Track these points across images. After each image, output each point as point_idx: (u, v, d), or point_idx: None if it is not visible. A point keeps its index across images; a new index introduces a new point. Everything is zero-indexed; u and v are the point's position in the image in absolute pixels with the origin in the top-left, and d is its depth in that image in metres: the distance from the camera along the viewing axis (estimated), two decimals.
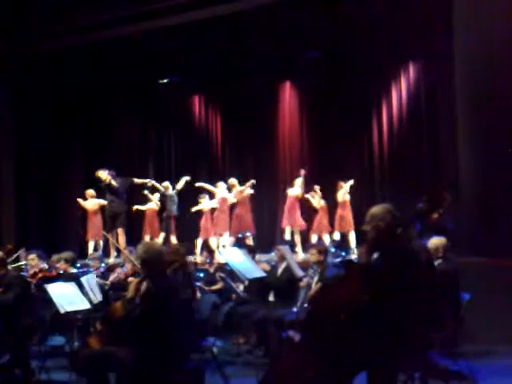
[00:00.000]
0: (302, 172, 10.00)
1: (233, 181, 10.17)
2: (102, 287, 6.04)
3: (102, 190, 10.04)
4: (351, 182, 10.13)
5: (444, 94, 9.63)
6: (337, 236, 9.91)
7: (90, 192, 10.47)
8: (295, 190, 10.01)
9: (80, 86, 11.48)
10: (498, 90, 6.71)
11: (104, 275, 7.01)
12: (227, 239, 9.90)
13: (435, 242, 5.24)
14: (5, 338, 4.88)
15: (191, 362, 4.27)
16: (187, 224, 10.82)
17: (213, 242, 10.03)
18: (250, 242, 9.62)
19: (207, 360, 4.90)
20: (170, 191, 10.49)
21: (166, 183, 10.64)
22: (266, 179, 11.97)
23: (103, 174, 9.82)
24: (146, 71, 11.72)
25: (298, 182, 9.99)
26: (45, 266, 6.64)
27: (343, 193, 10.02)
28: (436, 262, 5.11)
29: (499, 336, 5.75)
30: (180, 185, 10.58)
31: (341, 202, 10.01)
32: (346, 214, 9.95)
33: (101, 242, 10.35)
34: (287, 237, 9.86)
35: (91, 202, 10.43)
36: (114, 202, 9.82)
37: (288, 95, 12.22)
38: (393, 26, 9.41)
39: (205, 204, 10.48)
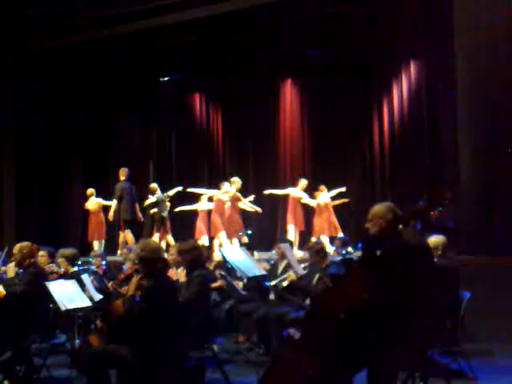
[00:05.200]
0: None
1: (235, 179, 10.09)
2: (100, 286, 6.02)
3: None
4: (342, 188, 10.13)
5: (445, 92, 9.62)
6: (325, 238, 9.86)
7: (91, 191, 10.45)
8: (298, 192, 10.02)
9: (80, 84, 11.48)
10: (500, 89, 6.71)
11: (106, 273, 7.01)
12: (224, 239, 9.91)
13: (434, 240, 5.23)
14: (7, 335, 4.88)
15: (191, 360, 4.26)
16: (182, 224, 10.86)
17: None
18: (245, 240, 9.64)
19: (207, 358, 4.90)
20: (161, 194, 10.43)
21: (154, 185, 10.57)
22: (266, 178, 11.98)
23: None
24: (147, 69, 11.71)
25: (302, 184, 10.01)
26: (54, 266, 6.57)
27: (325, 196, 10.00)
28: (435, 260, 5.12)
29: (500, 335, 5.75)
30: (172, 192, 10.51)
31: (323, 205, 9.95)
32: (331, 217, 9.95)
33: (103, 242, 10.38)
34: (291, 236, 9.84)
35: (92, 202, 10.41)
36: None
37: (289, 94, 12.21)
38: (394, 25, 9.41)
39: (200, 205, 10.49)
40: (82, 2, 9.76)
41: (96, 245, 10.14)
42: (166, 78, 12.45)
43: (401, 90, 11.03)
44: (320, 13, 9.55)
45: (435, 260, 5.07)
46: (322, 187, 10.05)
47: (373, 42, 10.02)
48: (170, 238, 10.17)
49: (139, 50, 10.86)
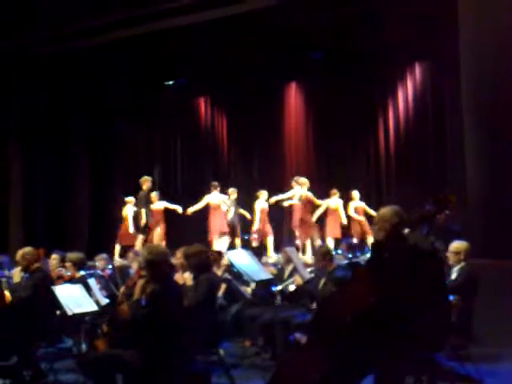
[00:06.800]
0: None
1: (304, 180, 9.87)
2: (106, 291, 6.01)
3: None
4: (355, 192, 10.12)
5: (450, 94, 9.59)
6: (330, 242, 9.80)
7: (130, 199, 10.42)
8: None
9: (85, 87, 11.51)
10: (505, 90, 6.67)
11: (112, 277, 7.00)
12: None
13: (457, 245, 5.14)
14: (13, 340, 4.89)
15: (197, 364, 4.26)
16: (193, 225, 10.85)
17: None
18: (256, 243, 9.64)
19: (214, 362, 4.89)
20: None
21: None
22: (271, 180, 11.97)
23: None
24: (152, 73, 11.73)
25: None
26: (63, 270, 6.56)
27: (336, 200, 9.99)
28: (459, 266, 5.08)
29: (506, 339, 5.71)
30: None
31: (333, 209, 9.95)
32: (340, 221, 9.92)
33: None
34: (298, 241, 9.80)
35: (128, 209, 10.41)
36: None
37: (294, 96, 12.23)
38: (399, 26, 9.38)
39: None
40: (87, 6, 9.78)
41: (117, 249, 10.20)
42: (170, 82, 12.47)
43: (406, 92, 11.02)
44: (324, 15, 9.54)
45: (462, 265, 5.05)
46: (335, 191, 10.07)
47: (377, 44, 10.00)
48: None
49: (144, 54, 10.88)
